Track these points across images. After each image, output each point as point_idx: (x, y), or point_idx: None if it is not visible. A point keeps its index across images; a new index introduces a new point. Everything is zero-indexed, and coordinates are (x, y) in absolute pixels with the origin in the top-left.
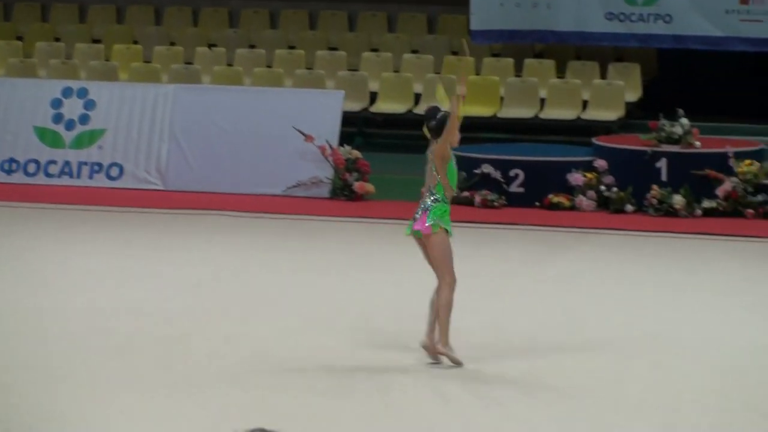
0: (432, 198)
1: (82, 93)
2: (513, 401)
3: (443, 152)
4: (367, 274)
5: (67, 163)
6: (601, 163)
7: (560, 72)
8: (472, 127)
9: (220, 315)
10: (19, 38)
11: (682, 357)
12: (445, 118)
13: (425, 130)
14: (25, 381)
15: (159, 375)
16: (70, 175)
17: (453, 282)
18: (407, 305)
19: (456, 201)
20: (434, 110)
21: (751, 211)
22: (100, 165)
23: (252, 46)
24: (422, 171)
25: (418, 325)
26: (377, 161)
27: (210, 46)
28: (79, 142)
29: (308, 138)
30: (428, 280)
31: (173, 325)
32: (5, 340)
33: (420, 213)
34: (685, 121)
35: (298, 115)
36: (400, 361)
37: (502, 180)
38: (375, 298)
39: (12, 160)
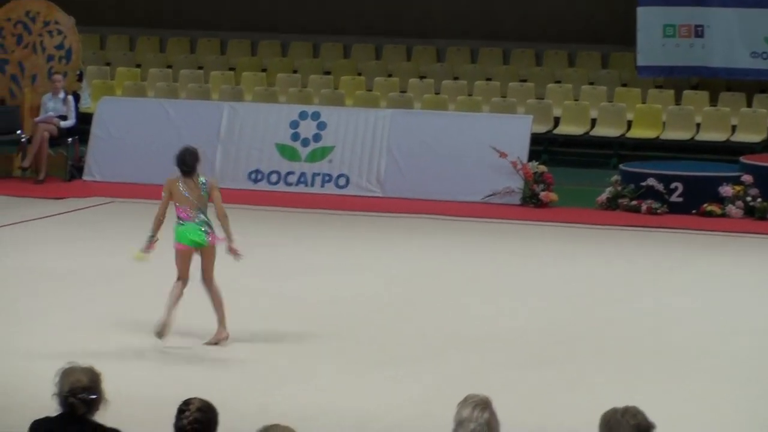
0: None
1: (316, 116)
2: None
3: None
4: (548, 267)
5: (302, 174)
6: (747, 178)
7: (713, 101)
8: (640, 147)
9: (427, 302)
10: (264, 70)
11: None
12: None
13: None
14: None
15: (374, 352)
16: (305, 184)
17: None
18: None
19: (625, 208)
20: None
21: None
22: (330, 176)
23: (456, 78)
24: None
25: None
26: (560, 174)
27: (421, 77)
28: (313, 157)
29: (502, 155)
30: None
31: (386, 311)
32: (247, 317)
33: (206, 228)
34: None
35: (494, 136)
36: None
37: (664, 191)
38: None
39: (257, 171)
